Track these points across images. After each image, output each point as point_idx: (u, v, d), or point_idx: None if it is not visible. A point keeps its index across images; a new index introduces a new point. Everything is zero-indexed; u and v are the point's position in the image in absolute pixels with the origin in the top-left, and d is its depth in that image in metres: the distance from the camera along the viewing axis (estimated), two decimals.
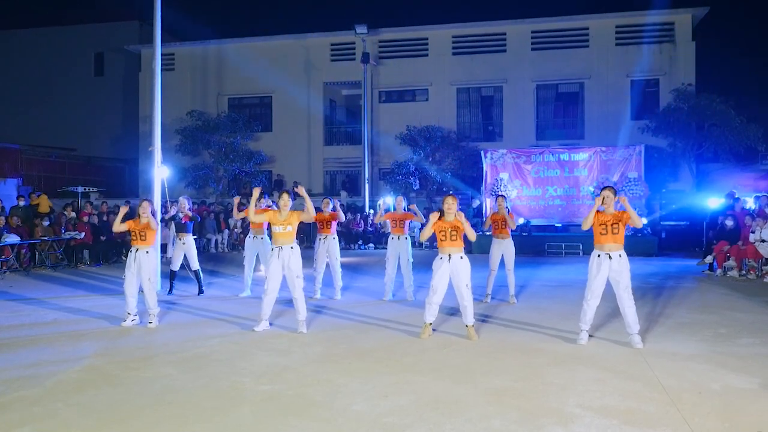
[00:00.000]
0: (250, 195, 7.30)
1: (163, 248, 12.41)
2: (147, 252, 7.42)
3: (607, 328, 6.99)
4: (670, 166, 21.60)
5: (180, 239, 9.66)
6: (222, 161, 24.04)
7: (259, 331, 6.96)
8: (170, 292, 9.81)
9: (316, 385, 5.07)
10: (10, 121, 29.45)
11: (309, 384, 5.08)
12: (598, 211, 6.31)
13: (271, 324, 7.20)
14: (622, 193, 16.22)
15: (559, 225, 18.35)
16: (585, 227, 6.34)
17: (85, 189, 21.05)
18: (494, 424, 4.18)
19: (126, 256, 8.68)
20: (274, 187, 24.61)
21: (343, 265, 9.97)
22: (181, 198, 9.93)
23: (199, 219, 10.09)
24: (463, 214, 6.56)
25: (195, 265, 9.74)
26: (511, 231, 9.01)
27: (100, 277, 12.20)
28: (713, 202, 15.43)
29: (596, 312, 6.44)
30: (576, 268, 12.76)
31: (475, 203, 19.18)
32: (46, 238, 13.86)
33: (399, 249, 9.07)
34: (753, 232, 11.61)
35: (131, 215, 7.93)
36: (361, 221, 20.17)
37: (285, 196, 7.04)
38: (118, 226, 7.59)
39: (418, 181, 22.43)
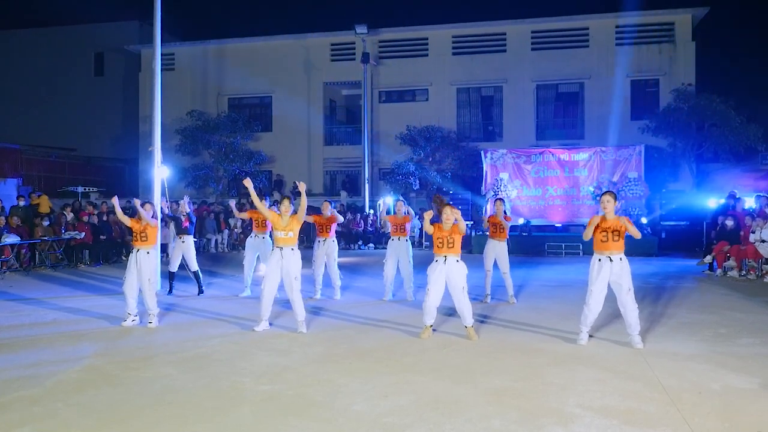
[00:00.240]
0: (247, 193, 7.27)
1: (164, 248, 12.41)
2: (148, 253, 7.48)
3: (608, 329, 6.99)
4: (670, 166, 21.57)
5: (180, 238, 9.72)
6: (222, 161, 24.02)
7: (259, 331, 6.97)
8: (170, 292, 9.82)
9: (316, 385, 5.07)
10: (10, 121, 29.41)
11: (309, 384, 5.08)
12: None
13: (271, 324, 7.21)
14: (623, 201, 16.28)
15: (559, 225, 18.34)
16: (586, 238, 6.34)
17: (85, 189, 21.07)
18: (494, 424, 4.18)
19: (126, 257, 8.70)
20: (274, 187, 24.61)
21: (343, 266, 9.98)
22: (182, 201, 9.95)
23: (195, 219, 10.13)
24: (459, 212, 6.65)
25: (194, 266, 9.76)
26: (509, 232, 9.08)
27: (100, 277, 12.18)
28: (713, 202, 15.42)
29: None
30: (576, 268, 12.75)
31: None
32: (46, 238, 13.85)
33: (399, 250, 9.10)
34: (753, 232, 11.62)
35: (131, 214, 7.95)
36: (361, 221, 20.16)
37: (286, 202, 7.06)
38: (122, 216, 7.72)
39: (418, 181, 22.43)
